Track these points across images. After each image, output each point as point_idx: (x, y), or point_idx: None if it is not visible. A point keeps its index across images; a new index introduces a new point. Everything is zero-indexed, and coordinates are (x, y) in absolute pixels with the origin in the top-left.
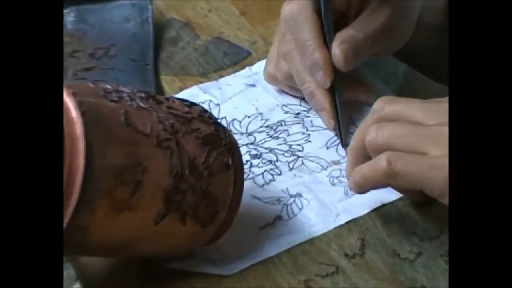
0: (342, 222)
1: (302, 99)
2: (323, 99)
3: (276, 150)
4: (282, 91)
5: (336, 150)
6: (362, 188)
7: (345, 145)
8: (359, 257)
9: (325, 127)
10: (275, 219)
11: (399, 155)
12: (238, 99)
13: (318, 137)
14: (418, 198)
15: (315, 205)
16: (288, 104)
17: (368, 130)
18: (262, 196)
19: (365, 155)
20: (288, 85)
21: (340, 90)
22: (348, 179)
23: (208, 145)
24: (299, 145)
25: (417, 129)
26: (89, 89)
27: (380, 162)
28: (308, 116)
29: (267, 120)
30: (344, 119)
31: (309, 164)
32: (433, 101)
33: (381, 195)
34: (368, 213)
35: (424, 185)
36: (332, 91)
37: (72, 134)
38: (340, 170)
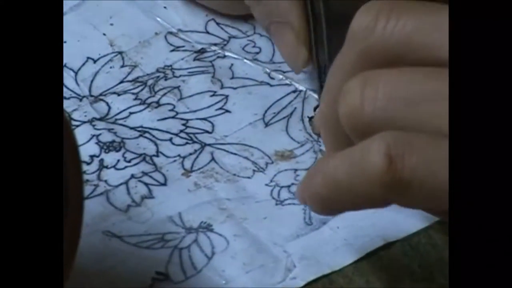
0: (300, 285)
1: (212, 16)
2: (287, 3)
3: (154, 132)
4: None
5: (286, 128)
6: (330, 205)
7: None
8: None
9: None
10: (154, 281)
11: (412, 143)
12: (72, 19)
13: (248, 102)
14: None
15: (241, 248)
16: (182, 30)
17: (346, 87)
18: (129, 233)
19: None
20: None
21: None
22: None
23: None
24: (205, 119)
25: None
26: None
27: (371, 157)
28: (226, 57)
29: (134, 66)
30: (333, 51)
31: (226, 160)
32: None
33: (384, 221)
34: (358, 262)
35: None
36: None
37: None
38: (295, 171)
